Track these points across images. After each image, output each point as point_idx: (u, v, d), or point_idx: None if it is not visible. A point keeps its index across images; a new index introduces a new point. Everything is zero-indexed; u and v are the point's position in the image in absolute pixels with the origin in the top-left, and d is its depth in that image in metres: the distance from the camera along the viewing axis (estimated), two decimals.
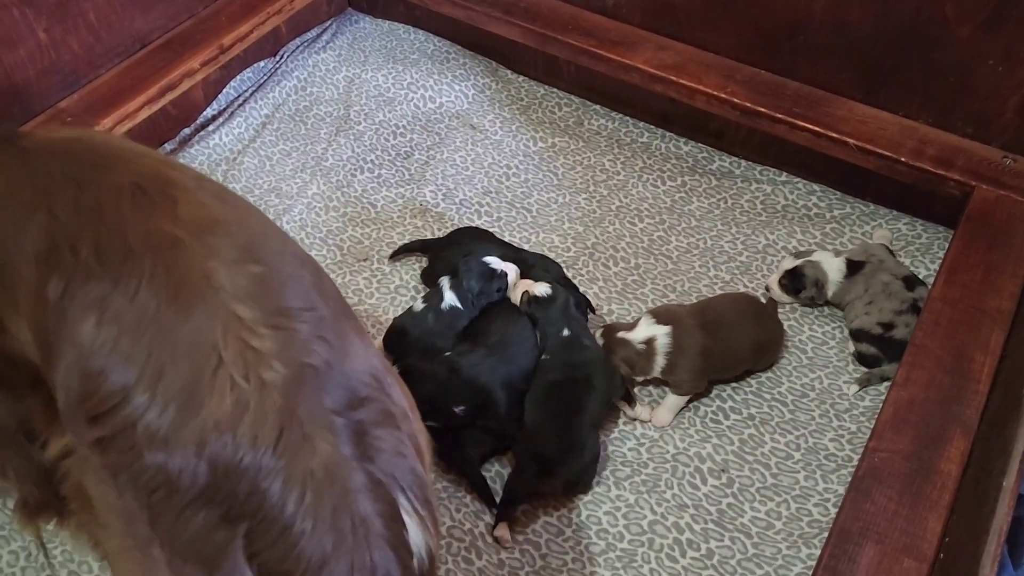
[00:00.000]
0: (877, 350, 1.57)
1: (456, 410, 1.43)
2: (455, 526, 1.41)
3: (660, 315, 1.54)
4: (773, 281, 1.70)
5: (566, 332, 1.50)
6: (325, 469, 0.85)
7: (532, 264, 1.65)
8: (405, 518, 0.89)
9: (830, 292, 1.66)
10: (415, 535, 0.90)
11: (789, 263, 1.68)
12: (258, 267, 0.91)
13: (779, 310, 1.68)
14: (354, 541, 0.86)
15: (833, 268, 1.65)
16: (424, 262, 1.78)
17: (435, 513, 0.95)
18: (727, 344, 1.53)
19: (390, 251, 1.82)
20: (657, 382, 1.58)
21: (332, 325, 0.92)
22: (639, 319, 1.55)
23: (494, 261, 1.59)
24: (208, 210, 0.95)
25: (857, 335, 1.60)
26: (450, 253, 1.69)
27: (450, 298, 1.57)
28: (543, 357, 1.50)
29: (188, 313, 0.86)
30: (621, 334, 1.53)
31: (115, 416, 0.84)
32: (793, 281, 1.67)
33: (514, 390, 1.47)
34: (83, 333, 0.87)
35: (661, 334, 1.51)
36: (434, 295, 1.59)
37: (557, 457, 1.40)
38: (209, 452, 0.82)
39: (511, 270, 1.59)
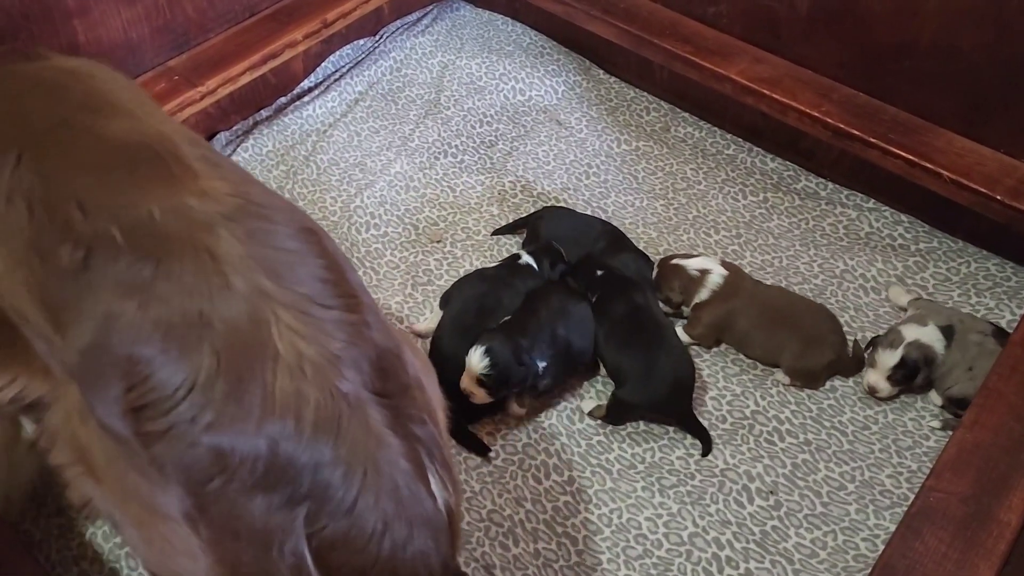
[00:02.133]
0: None
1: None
2: (495, 510, 1.42)
3: (726, 264, 1.63)
4: (879, 379, 1.54)
5: (599, 272, 1.61)
6: (377, 442, 0.88)
7: (623, 255, 1.70)
8: (430, 477, 0.93)
9: (940, 369, 1.54)
10: (438, 493, 0.93)
11: (889, 358, 1.51)
12: (291, 252, 0.91)
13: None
14: (410, 499, 0.89)
15: (934, 339, 1.52)
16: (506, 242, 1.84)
17: (453, 474, 0.97)
18: (747, 323, 1.57)
19: (464, 235, 1.85)
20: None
21: (364, 308, 0.94)
22: (697, 255, 1.65)
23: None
24: (229, 185, 0.93)
25: (959, 403, 1.49)
26: (548, 224, 1.78)
27: (527, 259, 1.68)
28: (594, 299, 1.58)
29: (240, 302, 0.84)
30: (676, 261, 1.62)
31: (167, 409, 0.82)
32: (907, 371, 1.52)
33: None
34: (124, 315, 0.83)
35: (717, 272, 1.60)
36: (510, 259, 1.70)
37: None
38: (270, 442, 0.82)
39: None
